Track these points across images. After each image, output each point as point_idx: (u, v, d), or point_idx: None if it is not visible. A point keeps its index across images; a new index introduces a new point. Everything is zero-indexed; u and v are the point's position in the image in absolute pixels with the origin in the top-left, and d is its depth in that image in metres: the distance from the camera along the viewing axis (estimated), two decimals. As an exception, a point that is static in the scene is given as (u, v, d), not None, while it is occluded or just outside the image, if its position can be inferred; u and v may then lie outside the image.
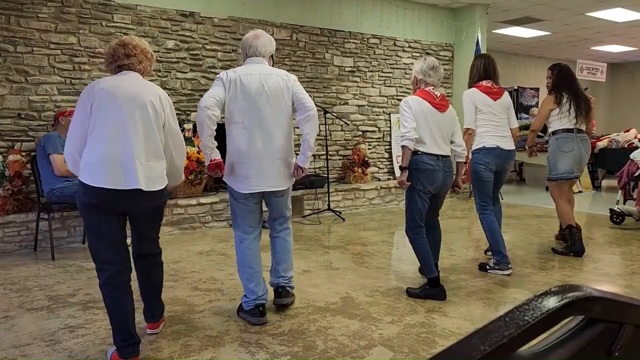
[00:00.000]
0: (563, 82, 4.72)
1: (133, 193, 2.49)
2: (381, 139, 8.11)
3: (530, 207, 7.32)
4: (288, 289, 3.28)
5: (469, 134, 4.17)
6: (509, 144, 4.16)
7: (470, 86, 4.28)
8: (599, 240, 5.22)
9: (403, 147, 3.41)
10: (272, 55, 3.20)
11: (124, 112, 2.50)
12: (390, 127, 8.06)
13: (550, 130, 4.78)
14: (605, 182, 9.73)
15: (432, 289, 3.45)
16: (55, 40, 5.33)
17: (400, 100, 8.22)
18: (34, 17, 5.23)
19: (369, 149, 7.88)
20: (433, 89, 3.52)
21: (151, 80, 6.17)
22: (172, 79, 6.09)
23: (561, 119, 4.64)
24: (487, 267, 4.11)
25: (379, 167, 8.05)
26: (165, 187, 2.66)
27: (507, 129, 4.19)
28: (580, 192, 8.86)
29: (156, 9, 5.94)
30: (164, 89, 6.04)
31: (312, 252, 4.75)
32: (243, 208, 3.12)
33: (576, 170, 4.65)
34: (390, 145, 8.08)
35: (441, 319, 3.07)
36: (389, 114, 8.08)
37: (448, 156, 3.54)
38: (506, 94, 4.24)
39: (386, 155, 8.16)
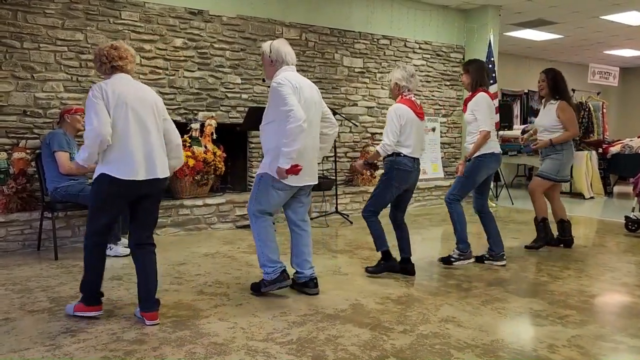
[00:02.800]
0: (565, 88, 4.86)
1: (154, 181, 3.00)
2: (390, 141, 7.99)
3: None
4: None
5: (488, 138, 4.22)
6: (499, 148, 4.40)
7: (475, 88, 4.31)
8: (614, 249, 5.08)
9: (377, 152, 3.91)
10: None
11: (142, 113, 2.97)
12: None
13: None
14: (617, 188, 9.57)
15: (386, 263, 3.97)
16: (62, 36, 5.25)
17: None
18: (40, 13, 5.16)
19: (377, 151, 7.77)
20: (414, 97, 3.92)
21: (158, 79, 6.12)
22: (179, 77, 6.00)
23: None
24: (452, 259, 4.34)
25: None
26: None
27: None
28: (592, 197, 8.71)
29: (164, 7, 5.86)
30: (171, 87, 5.95)
31: (319, 256, 4.64)
32: (279, 197, 3.45)
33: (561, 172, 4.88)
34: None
35: (455, 329, 2.96)
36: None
37: (418, 159, 3.99)
38: (495, 100, 4.49)
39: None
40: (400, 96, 3.93)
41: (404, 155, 3.86)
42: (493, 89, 7.42)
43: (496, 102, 7.36)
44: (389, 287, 3.74)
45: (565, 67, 14.24)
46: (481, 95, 4.24)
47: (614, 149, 9.15)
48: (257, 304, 3.36)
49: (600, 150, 9.25)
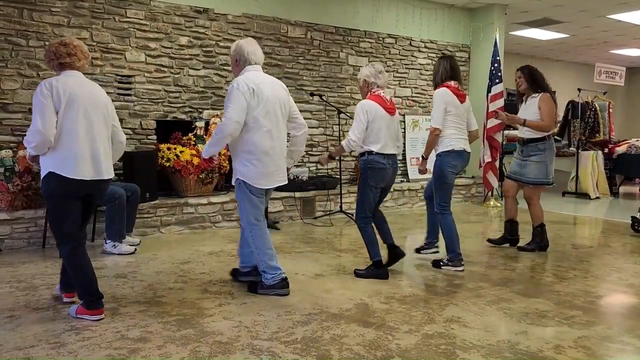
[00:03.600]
0: (544, 81, 4.69)
1: (100, 181, 3.06)
2: (395, 141, 7.97)
3: (547, 212, 7.12)
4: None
5: (435, 134, 4.17)
6: (469, 147, 4.31)
7: (437, 85, 4.24)
8: (620, 249, 5.05)
9: (342, 147, 3.95)
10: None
11: (93, 114, 3.02)
12: (404, 128, 7.92)
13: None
14: (623, 189, 9.52)
15: (376, 269, 3.95)
16: (68, 34, 5.26)
17: (415, 101, 8.09)
18: (46, 11, 5.17)
19: (382, 150, 7.75)
20: (383, 92, 3.93)
21: (163, 77, 6.11)
22: (184, 75, 6.00)
23: None
24: (441, 263, 4.25)
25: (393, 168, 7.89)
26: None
27: (466, 132, 4.30)
28: (597, 198, 8.66)
29: (170, 5, 5.86)
30: (176, 85, 5.95)
31: (323, 255, 4.63)
32: (259, 201, 3.47)
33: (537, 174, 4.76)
34: (404, 147, 7.93)
35: (461, 329, 2.94)
36: (404, 115, 7.95)
37: (395, 154, 3.98)
38: (468, 98, 4.32)
39: (400, 157, 8.01)
40: (369, 93, 3.94)
41: (376, 153, 3.85)
42: (498, 88, 7.40)
43: (502, 102, 7.34)
44: (393, 287, 3.73)
45: (571, 66, 14.20)
46: (437, 91, 4.18)
47: (620, 149, 9.10)
48: (262, 303, 3.36)
49: (606, 150, 9.20)
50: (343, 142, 3.92)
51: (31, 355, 2.56)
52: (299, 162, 6.98)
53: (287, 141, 3.60)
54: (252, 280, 3.63)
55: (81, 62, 3.11)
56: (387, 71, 7.64)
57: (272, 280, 3.46)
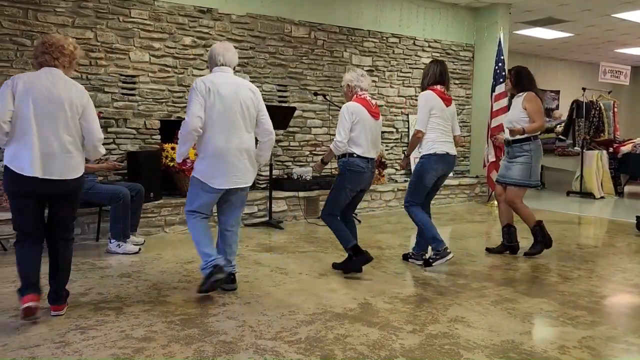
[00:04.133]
0: (530, 81, 4.58)
1: (55, 181, 2.96)
2: (399, 140, 7.97)
3: (551, 212, 7.12)
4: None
5: (418, 137, 4.20)
6: (454, 150, 4.27)
7: (424, 88, 4.28)
8: (625, 249, 5.03)
9: (331, 150, 3.94)
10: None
11: (50, 110, 2.92)
12: (408, 127, 7.91)
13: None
14: (627, 188, 9.48)
15: (356, 256, 3.93)
16: (72, 34, 5.28)
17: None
18: (51, 12, 5.19)
19: (386, 149, 7.75)
20: (369, 96, 3.98)
21: (167, 77, 6.11)
22: (188, 75, 6.01)
23: None
24: (431, 259, 4.16)
25: (396, 169, 7.91)
26: (81, 175, 3.08)
27: (452, 135, 4.27)
28: (602, 197, 8.63)
29: (174, 5, 5.87)
30: (180, 85, 5.96)
31: (327, 255, 4.63)
32: (207, 199, 3.51)
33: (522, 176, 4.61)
34: (407, 146, 7.92)
35: (465, 329, 2.94)
36: (407, 115, 7.94)
37: (374, 159, 4.01)
38: (453, 102, 4.33)
39: (403, 156, 8.00)
40: (354, 96, 3.99)
41: (357, 156, 3.88)
42: (502, 87, 7.37)
43: (505, 101, 7.31)
44: (397, 287, 3.72)
45: (576, 65, 14.15)
46: (422, 94, 4.22)
47: (625, 149, 9.06)
48: (266, 302, 3.36)
49: (611, 149, 9.16)
50: (331, 145, 3.93)
51: (36, 354, 2.57)
52: (302, 162, 6.99)
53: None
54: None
55: (59, 60, 3.02)
56: (390, 71, 7.69)
57: (207, 268, 3.36)
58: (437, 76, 4.21)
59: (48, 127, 2.92)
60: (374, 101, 4.02)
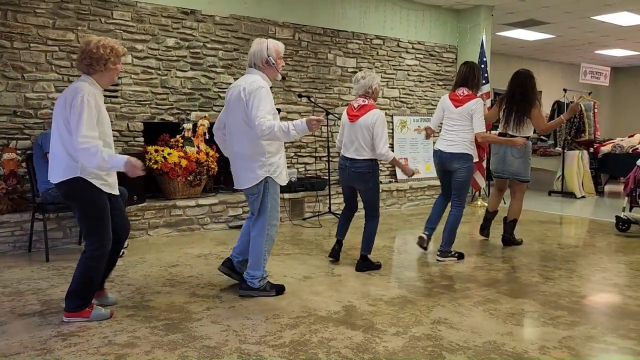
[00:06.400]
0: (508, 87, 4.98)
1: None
2: (383, 141, 7.99)
3: (534, 212, 7.22)
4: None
5: (427, 132, 4.75)
6: (450, 148, 4.51)
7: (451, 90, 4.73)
8: (605, 249, 5.12)
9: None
10: (264, 61, 3.45)
11: (55, 114, 3.05)
12: (392, 129, 7.95)
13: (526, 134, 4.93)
14: (608, 188, 9.63)
15: (337, 244, 4.49)
16: (53, 36, 5.21)
17: (403, 102, 8.12)
18: (31, 13, 5.11)
19: (370, 151, 7.77)
20: (361, 100, 4.20)
21: (150, 79, 6.04)
22: (172, 77, 5.97)
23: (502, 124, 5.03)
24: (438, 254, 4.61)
25: (380, 170, 7.92)
26: (67, 179, 2.97)
27: (457, 134, 4.49)
28: (583, 197, 8.76)
29: (157, 6, 5.82)
30: (164, 87, 5.92)
31: (312, 257, 4.64)
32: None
33: (500, 170, 5.07)
34: (392, 147, 7.96)
35: (448, 331, 2.97)
36: (392, 116, 7.98)
37: (356, 159, 4.16)
38: (471, 102, 4.45)
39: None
40: None
41: (340, 154, 4.35)
42: (485, 88, 7.46)
43: (488, 102, 7.40)
44: (381, 289, 3.75)
45: (557, 66, 14.34)
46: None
47: (605, 149, 9.20)
48: (250, 306, 3.36)
49: (592, 149, 9.30)
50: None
51: (17, 362, 2.54)
52: (287, 164, 6.98)
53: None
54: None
55: (82, 63, 3.09)
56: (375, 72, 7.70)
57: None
58: (460, 80, 4.61)
59: (53, 134, 3.08)
60: (357, 104, 4.21)
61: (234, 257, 3.74)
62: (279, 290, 3.60)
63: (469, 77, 4.53)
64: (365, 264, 4.22)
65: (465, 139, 4.47)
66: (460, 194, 4.56)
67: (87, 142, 2.84)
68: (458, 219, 4.56)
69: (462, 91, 4.52)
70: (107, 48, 3.05)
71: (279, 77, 3.57)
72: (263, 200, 3.43)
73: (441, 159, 4.55)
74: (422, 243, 4.69)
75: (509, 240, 5.14)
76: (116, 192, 3.14)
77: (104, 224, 3.02)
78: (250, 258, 3.51)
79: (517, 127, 4.85)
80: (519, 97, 4.82)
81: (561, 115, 5.21)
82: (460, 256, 4.62)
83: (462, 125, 4.48)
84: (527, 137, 4.88)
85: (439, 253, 4.58)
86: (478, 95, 4.59)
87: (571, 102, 9.42)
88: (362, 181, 4.19)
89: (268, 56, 3.41)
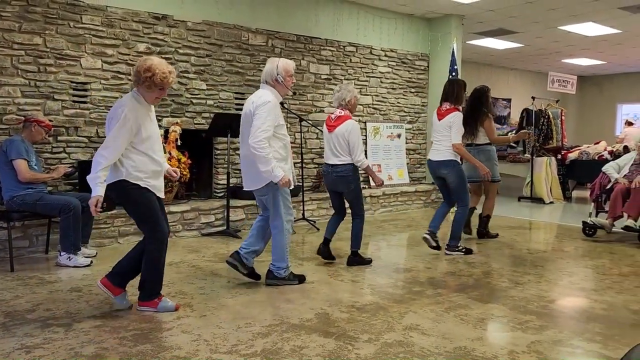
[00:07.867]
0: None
1: None
2: (356, 148, 8.03)
3: (503, 217, 7.35)
4: None
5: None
6: (436, 156, 5.00)
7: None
8: (572, 253, 5.24)
9: None
10: (274, 79, 3.79)
11: None
12: (366, 135, 8.00)
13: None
14: (575, 193, 9.88)
15: (322, 243, 4.70)
16: (19, 40, 5.09)
17: (376, 109, 8.19)
18: (-4, 16, 4.99)
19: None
20: (338, 111, 4.53)
21: (120, 84, 5.96)
22: (143, 83, 5.88)
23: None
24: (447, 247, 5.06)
25: (354, 176, 7.96)
26: (115, 181, 3.31)
27: (442, 143, 4.95)
28: (551, 202, 8.96)
29: (127, 11, 5.75)
30: (135, 93, 5.83)
31: (286, 264, 4.62)
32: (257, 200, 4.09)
33: (473, 175, 5.49)
34: (365, 154, 8.00)
35: (419, 337, 2.99)
36: (365, 123, 8.03)
37: (338, 164, 4.44)
38: (449, 115, 4.90)
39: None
40: None
41: (324, 162, 4.64)
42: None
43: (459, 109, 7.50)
44: (354, 295, 3.75)
45: (526, 74, 14.66)
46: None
47: (572, 155, 9.45)
48: (222, 315, 3.33)
49: (559, 156, 9.53)
50: None
51: (-22, 376, 2.46)
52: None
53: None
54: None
55: (133, 81, 3.37)
56: (347, 79, 7.76)
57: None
58: (443, 94, 5.07)
59: None
60: (335, 115, 4.56)
61: (242, 249, 3.99)
62: (301, 279, 4.02)
63: (449, 93, 5.01)
64: (355, 259, 4.60)
65: (449, 147, 4.90)
66: (460, 195, 4.99)
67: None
68: (462, 216, 5.04)
69: (445, 106, 5.00)
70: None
71: (290, 92, 4.10)
72: (275, 202, 3.79)
73: (431, 167, 5.07)
74: (429, 243, 5.07)
75: (483, 233, 5.83)
76: (161, 195, 3.46)
77: (152, 212, 3.35)
78: (274, 253, 3.90)
79: (471, 136, 5.61)
80: (472, 110, 5.60)
81: (509, 135, 6.12)
82: (468, 251, 5.04)
83: (444, 135, 4.93)
84: (489, 143, 5.67)
85: (447, 247, 5.04)
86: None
87: (539, 109, 9.67)
88: (344, 183, 4.48)
89: (277, 74, 3.78)
